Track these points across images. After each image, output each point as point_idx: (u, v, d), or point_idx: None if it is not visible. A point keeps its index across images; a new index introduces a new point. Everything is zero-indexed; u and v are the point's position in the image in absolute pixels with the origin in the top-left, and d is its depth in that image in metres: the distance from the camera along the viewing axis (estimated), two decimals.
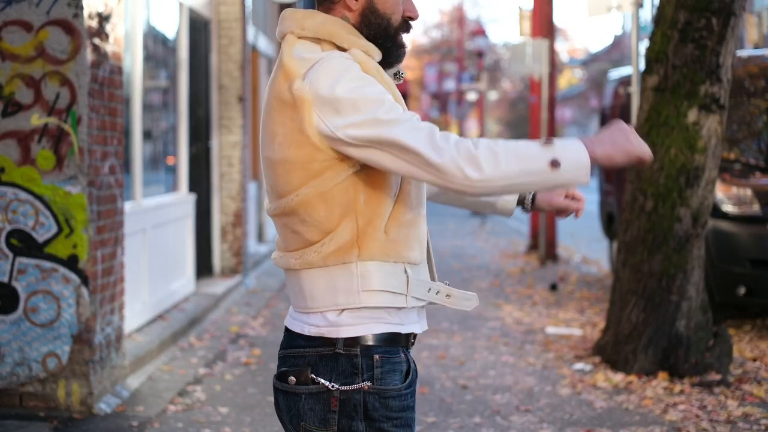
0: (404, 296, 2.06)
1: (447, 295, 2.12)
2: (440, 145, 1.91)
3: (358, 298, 2.03)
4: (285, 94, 2.01)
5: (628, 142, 1.95)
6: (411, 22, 2.15)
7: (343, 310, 2.04)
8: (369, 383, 2.02)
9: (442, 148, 1.91)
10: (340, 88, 1.96)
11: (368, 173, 2.02)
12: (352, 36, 2.09)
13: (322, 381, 2.03)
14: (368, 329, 2.05)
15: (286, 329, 2.16)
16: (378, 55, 2.11)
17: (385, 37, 2.12)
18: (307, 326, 2.07)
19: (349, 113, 1.95)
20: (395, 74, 2.21)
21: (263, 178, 2.16)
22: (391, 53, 2.13)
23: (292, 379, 2.06)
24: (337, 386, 2.02)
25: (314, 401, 2.04)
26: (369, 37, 2.11)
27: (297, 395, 2.06)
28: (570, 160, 1.91)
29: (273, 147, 2.05)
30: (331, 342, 2.04)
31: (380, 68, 2.09)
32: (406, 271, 2.06)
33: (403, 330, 2.09)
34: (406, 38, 2.17)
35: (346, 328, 2.04)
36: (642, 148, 1.96)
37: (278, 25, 2.16)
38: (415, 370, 2.12)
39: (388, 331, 2.06)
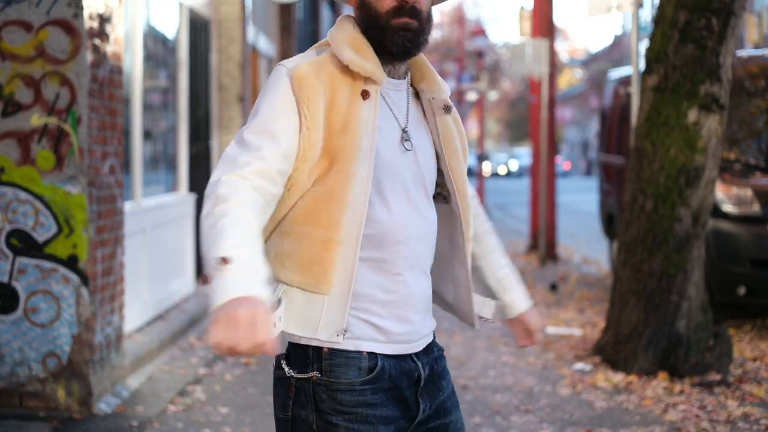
0: None
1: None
2: (213, 176, 2.05)
3: None
4: None
5: (248, 328, 1.76)
6: (406, 6, 2.12)
7: None
8: (318, 374, 2.07)
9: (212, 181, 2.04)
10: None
11: None
12: (343, 35, 2.15)
13: (285, 367, 2.11)
14: None
15: None
16: (350, 50, 2.12)
17: (375, 26, 2.14)
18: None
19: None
20: (444, 108, 2.23)
21: None
22: (383, 41, 2.13)
23: (274, 364, 2.17)
24: (293, 373, 2.10)
25: (280, 386, 2.14)
26: (365, 31, 2.15)
27: (276, 378, 2.16)
28: (216, 289, 1.83)
29: None
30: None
31: (319, 83, 2.09)
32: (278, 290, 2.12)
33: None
34: (407, 22, 2.12)
35: None
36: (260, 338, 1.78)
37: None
38: (390, 370, 2.12)
39: None
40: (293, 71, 2.09)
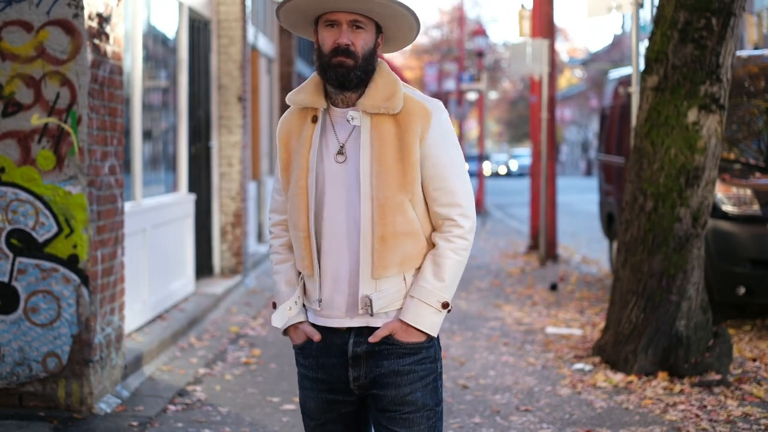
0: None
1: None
2: None
3: None
4: None
5: None
6: (341, 47, 2.64)
7: None
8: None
9: None
10: None
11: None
12: (305, 80, 2.79)
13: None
14: None
15: None
16: (296, 93, 2.76)
17: (321, 64, 2.69)
18: None
19: None
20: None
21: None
22: (326, 75, 2.68)
23: None
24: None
25: None
26: (317, 68, 2.71)
27: None
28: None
29: None
30: None
31: (288, 121, 2.82)
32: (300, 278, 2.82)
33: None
34: (341, 60, 2.64)
35: None
36: None
37: None
38: (318, 348, 2.78)
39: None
40: (280, 121, 2.87)
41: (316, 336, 2.73)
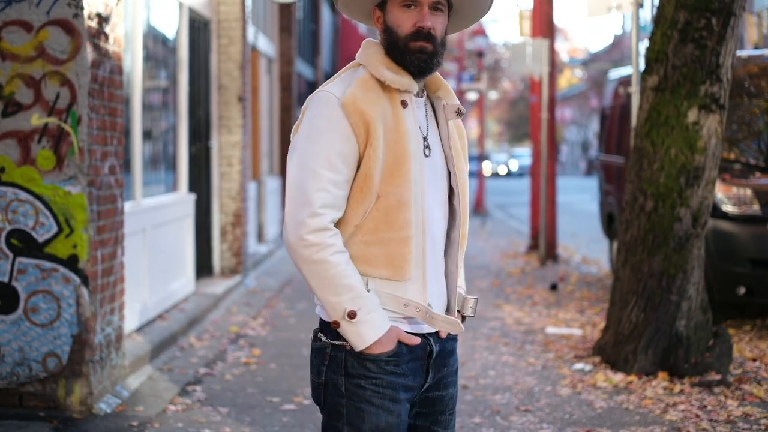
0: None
1: (427, 315, 2.46)
2: None
3: None
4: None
5: None
6: (423, 31, 2.43)
7: None
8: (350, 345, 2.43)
9: None
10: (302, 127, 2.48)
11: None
12: (376, 57, 2.48)
13: (323, 338, 2.47)
14: None
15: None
16: (386, 71, 2.45)
17: (396, 48, 2.46)
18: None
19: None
20: (457, 111, 2.55)
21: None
22: (404, 60, 2.46)
23: (311, 337, 2.53)
24: (330, 340, 2.45)
25: (315, 355, 2.50)
26: (387, 52, 2.48)
27: (313, 350, 2.52)
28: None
29: None
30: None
31: (366, 96, 2.43)
32: (367, 284, 2.42)
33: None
34: (423, 46, 2.44)
35: None
36: None
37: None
38: (409, 351, 2.46)
39: None
40: (344, 99, 2.40)
41: (415, 339, 2.45)
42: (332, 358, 2.44)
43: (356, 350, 2.39)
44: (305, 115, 2.46)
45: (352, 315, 2.35)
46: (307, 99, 2.49)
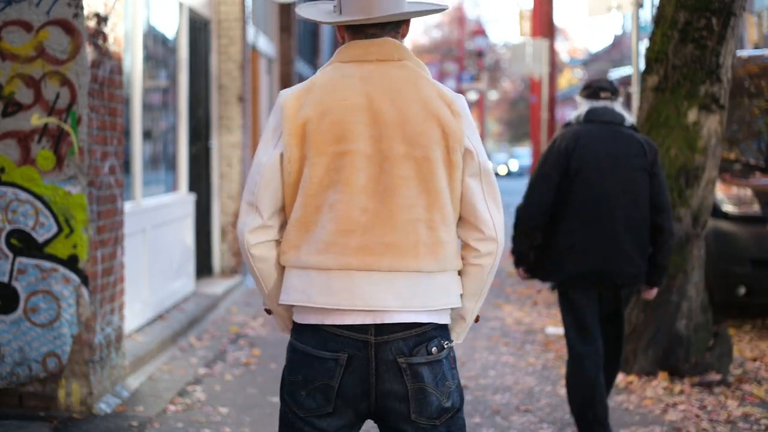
0: None
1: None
2: None
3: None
4: (444, 108, 2.46)
5: None
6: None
7: None
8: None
9: None
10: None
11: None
12: None
13: (450, 343, 2.50)
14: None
15: (393, 324, 2.42)
16: None
17: None
18: (435, 314, 2.46)
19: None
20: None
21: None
22: None
23: (435, 349, 2.44)
24: (450, 344, 2.50)
25: (448, 361, 2.49)
26: None
27: (439, 361, 2.45)
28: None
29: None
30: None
31: None
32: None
33: None
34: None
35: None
36: None
37: (385, 46, 2.50)
38: None
39: None
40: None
41: None
42: (454, 357, 2.53)
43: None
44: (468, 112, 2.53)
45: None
46: (457, 96, 2.53)
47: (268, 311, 2.61)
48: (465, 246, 2.49)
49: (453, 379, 2.49)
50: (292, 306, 2.50)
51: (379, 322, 2.39)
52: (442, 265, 2.42)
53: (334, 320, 2.40)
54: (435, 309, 2.44)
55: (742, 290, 7.39)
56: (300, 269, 2.43)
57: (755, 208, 7.42)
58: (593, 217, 4.54)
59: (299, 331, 2.46)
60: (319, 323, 2.41)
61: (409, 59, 2.52)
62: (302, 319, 2.46)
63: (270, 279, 2.51)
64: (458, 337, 2.64)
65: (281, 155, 2.43)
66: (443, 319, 2.48)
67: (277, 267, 2.50)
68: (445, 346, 2.47)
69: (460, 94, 2.55)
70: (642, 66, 6.82)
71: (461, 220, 2.48)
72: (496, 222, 2.46)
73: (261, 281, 2.52)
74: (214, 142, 9.69)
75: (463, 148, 2.43)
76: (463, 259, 2.49)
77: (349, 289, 2.38)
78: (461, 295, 2.52)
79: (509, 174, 54.17)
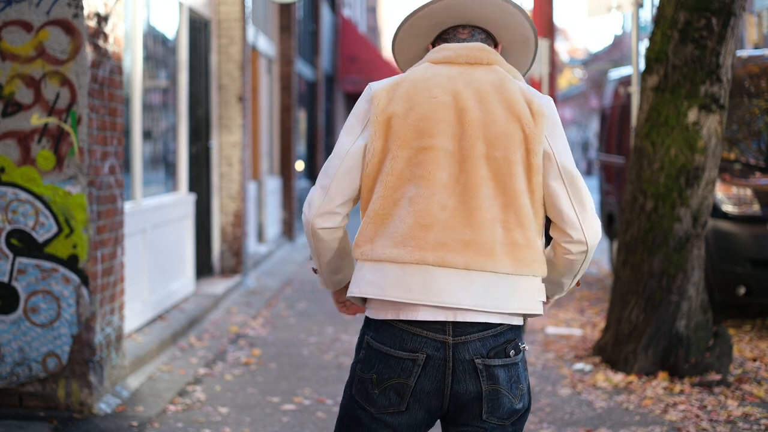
0: None
1: None
2: None
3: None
4: (526, 110, 2.45)
5: None
6: None
7: None
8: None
9: None
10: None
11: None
12: None
13: (525, 346, 2.48)
14: None
15: (470, 323, 2.40)
16: None
17: None
18: (507, 316, 2.43)
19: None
20: None
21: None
22: None
23: (512, 352, 2.42)
24: (526, 347, 2.49)
25: (522, 364, 2.48)
26: None
27: (515, 364, 2.44)
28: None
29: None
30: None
31: None
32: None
33: None
34: None
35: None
36: None
37: (474, 50, 2.54)
38: None
39: None
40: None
41: None
42: (526, 360, 2.59)
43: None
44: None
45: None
46: (541, 97, 2.52)
47: (315, 270, 2.66)
48: (556, 245, 2.51)
49: (525, 381, 2.49)
50: (365, 300, 2.50)
51: (452, 319, 2.37)
52: (519, 268, 2.40)
53: (408, 315, 2.37)
54: (507, 312, 2.41)
55: (742, 290, 7.39)
56: (374, 262, 2.41)
57: (755, 208, 7.42)
58: None
59: (374, 327, 2.44)
60: (394, 318, 2.39)
61: (499, 64, 2.55)
62: (376, 314, 2.43)
63: (327, 255, 2.58)
64: (550, 301, 2.67)
65: (365, 146, 2.46)
66: (516, 320, 2.45)
67: (336, 247, 2.56)
68: (522, 349, 2.46)
69: (548, 96, 2.54)
70: (642, 66, 6.83)
71: (552, 223, 2.50)
72: (584, 224, 2.44)
73: (317, 253, 2.58)
74: (214, 142, 9.69)
75: (542, 150, 2.44)
76: (555, 254, 2.52)
77: (424, 284, 2.36)
78: (556, 273, 2.56)
79: None
